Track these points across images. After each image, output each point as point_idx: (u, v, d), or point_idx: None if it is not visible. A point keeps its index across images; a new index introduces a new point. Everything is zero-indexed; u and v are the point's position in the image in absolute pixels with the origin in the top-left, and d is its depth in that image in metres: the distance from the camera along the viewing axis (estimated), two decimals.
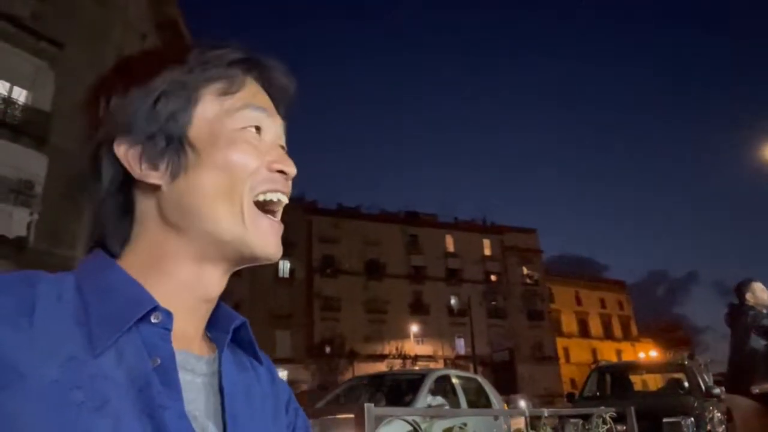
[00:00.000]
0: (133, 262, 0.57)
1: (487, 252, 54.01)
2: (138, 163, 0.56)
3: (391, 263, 48.93)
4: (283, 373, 39.67)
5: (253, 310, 41.23)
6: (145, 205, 0.58)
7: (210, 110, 0.58)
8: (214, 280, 0.59)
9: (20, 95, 14.68)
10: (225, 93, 0.59)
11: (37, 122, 14.29)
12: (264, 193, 0.58)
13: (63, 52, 15.27)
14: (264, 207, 0.59)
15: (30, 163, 14.07)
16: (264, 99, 0.63)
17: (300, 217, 45.30)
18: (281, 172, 0.60)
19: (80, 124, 0.60)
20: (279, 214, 0.61)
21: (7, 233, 13.22)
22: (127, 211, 0.58)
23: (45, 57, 15.07)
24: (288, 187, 0.61)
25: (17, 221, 13.53)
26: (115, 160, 0.57)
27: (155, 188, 0.57)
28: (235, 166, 0.57)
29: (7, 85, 14.46)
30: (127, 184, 0.58)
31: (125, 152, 0.56)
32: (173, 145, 0.56)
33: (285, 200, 0.61)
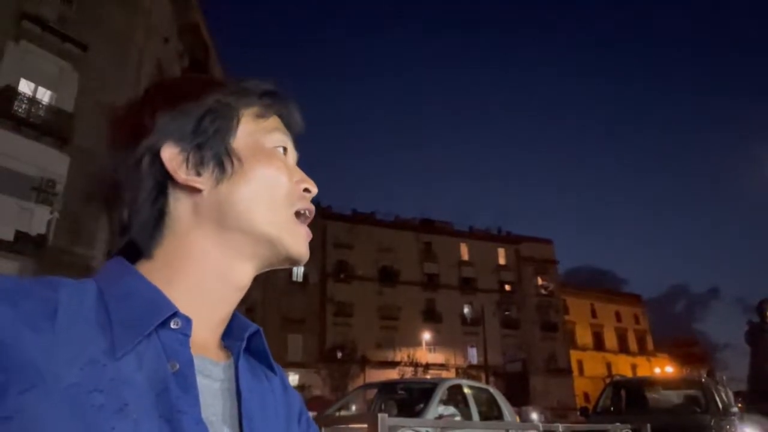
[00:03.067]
0: (159, 266, 0.59)
1: (502, 261, 53.66)
2: (183, 169, 0.60)
3: (404, 270, 48.81)
4: (294, 378, 39.72)
5: (266, 313, 41.38)
6: (179, 209, 0.61)
7: (249, 128, 0.65)
8: (242, 282, 0.62)
9: (44, 95, 14.95)
10: (260, 116, 0.67)
11: (60, 122, 14.54)
12: (299, 210, 0.66)
13: (87, 54, 15.55)
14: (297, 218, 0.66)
15: (52, 163, 14.31)
16: (285, 129, 0.70)
17: (315, 221, 44.91)
18: (306, 190, 0.67)
19: (118, 133, 0.63)
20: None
21: (27, 230, 13.44)
22: (159, 218, 0.61)
23: (69, 58, 15.36)
24: (311, 204, 0.69)
25: (38, 219, 13.76)
26: (158, 168, 0.60)
27: (194, 192, 0.61)
28: (273, 179, 0.63)
29: (32, 85, 14.74)
30: (164, 191, 0.61)
31: (171, 159, 0.60)
32: (219, 154, 0.62)
33: (311, 216, 0.68)
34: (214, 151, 0.61)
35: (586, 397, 47.58)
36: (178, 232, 0.60)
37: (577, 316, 56.80)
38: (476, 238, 53.43)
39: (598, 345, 57.45)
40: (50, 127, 14.39)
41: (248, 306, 40.58)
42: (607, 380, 9.81)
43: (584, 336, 57.01)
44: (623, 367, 54.10)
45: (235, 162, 0.62)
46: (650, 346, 61.09)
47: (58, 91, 15.12)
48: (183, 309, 0.55)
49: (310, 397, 29.64)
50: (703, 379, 8.43)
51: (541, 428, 3.61)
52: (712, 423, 7.17)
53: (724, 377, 9.83)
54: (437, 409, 6.18)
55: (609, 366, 54.71)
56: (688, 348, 60.95)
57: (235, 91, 0.65)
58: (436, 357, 45.70)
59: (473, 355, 47.42)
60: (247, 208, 0.61)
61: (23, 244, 13.25)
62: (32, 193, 13.99)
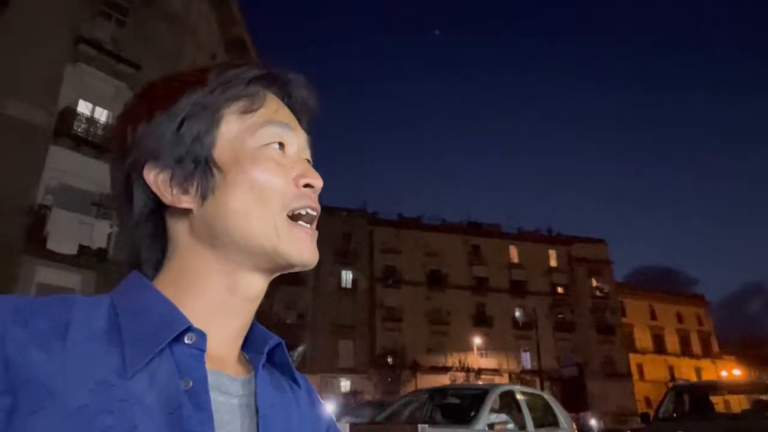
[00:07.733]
0: (167, 283, 0.57)
1: (554, 263, 52.42)
2: (169, 189, 0.57)
3: (453, 274, 48.41)
4: (346, 383, 39.98)
5: (316, 320, 41.88)
6: (176, 228, 0.59)
7: (233, 129, 0.59)
8: (252, 293, 0.59)
9: (102, 115, 15.67)
10: (246, 111, 0.59)
11: None
12: (295, 209, 0.58)
13: (140, 73, 16.19)
14: (296, 219, 0.59)
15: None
16: (286, 113, 0.63)
17: (361, 227, 45.67)
18: (308, 186, 0.60)
19: (112, 148, 0.61)
20: (314, 224, 0.60)
21: (90, 244, 14.08)
22: (159, 235, 0.60)
23: (124, 78, 16.03)
24: (316, 200, 0.60)
25: (99, 233, 14.39)
26: (146, 187, 0.58)
27: (186, 211, 0.58)
28: (260, 185, 0.57)
29: (90, 105, 15.47)
30: (159, 208, 0.59)
31: (155, 179, 0.57)
32: (200, 167, 0.57)
33: (314, 213, 0.60)
34: (195, 164, 0.57)
35: (648, 401, 45.83)
36: (180, 250, 0.58)
37: (634, 318, 54.79)
38: (526, 240, 52.43)
39: (659, 348, 55.18)
40: (108, 145, 15.05)
41: (299, 312, 41.20)
42: (669, 384, 9.39)
43: (643, 339, 54.89)
44: (687, 370, 51.84)
45: (217, 174, 0.57)
46: (715, 348, 58.25)
47: (115, 109, 15.80)
48: (197, 324, 0.53)
49: (363, 402, 29.70)
50: None
51: None
52: None
53: None
54: (488, 417, 6.06)
55: (671, 370, 52.52)
56: (756, 349, 57.83)
57: (215, 87, 0.58)
58: (488, 362, 45.05)
59: (526, 360, 46.46)
60: (236, 223, 0.56)
61: (86, 257, 13.89)
62: (92, 209, 14.68)
